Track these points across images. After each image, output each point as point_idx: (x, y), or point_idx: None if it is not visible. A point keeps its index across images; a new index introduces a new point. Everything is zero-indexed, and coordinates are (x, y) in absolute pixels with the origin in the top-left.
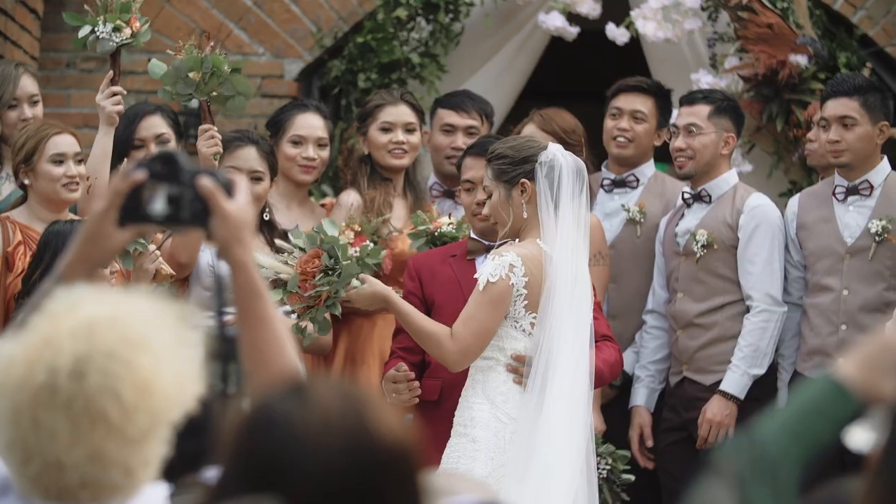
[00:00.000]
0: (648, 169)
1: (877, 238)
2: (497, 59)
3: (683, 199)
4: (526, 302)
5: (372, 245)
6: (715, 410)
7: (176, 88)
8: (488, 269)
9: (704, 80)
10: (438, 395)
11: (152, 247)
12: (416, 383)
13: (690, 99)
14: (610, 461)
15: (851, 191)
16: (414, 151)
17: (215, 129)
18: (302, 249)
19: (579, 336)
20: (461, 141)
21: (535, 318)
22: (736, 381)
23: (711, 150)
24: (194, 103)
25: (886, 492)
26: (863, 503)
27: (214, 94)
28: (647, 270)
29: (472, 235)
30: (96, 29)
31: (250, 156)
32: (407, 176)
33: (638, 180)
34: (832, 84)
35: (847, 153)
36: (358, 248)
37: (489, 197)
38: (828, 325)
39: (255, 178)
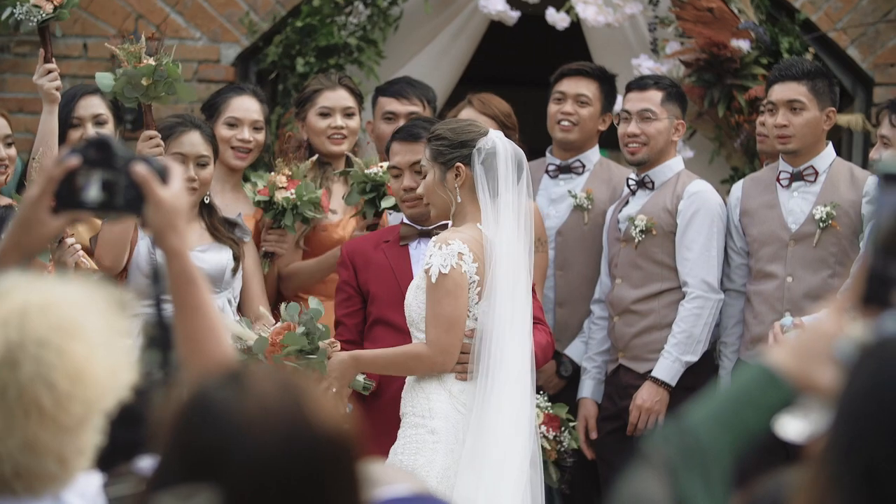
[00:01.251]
0: (594, 155)
1: (821, 224)
2: (436, 43)
3: (628, 185)
4: (479, 289)
5: (306, 184)
6: (645, 397)
7: (123, 91)
8: (437, 260)
9: (645, 64)
10: (376, 387)
11: (71, 240)
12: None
13: (642, 84)
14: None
15: (796, 177)
16: (353, 136)
17: (158, 135)
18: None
19: (524, 323)
20: None
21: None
22: (667, 367)
23: (665, 137)
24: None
25: (831, 486)
26: (804, 497)
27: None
28: (595, 258)
29: (405, 220)
30: (14, 9)
31: (196, 140)
32: (347, 161)
33: (584, 166)
34: (780, 68)
35: (794, 139)
36: (293, 190)
37: (424, 176)
38: (771, 312)
39: (202, 163)
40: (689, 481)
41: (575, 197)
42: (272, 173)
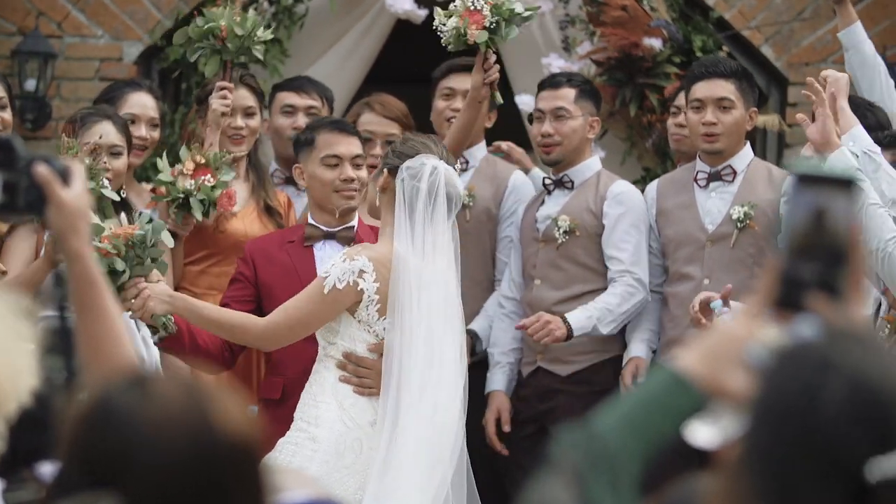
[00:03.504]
0: (479, 151)
1: (739, 225)
2: (342, 43)
3: (544, 185)
4: (378, 306)
5: (211, 181)
6: (550, 318)
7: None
8: (336, 271)
9: (556, 63)
10: (281, 394)
11: None
12: None
13: (554, 83)
14: None
15: (714, 177)
16: (252, 136)
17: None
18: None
19: (443, 344)
20: (302, 121)
21: (388, 320)
22: (580, 318)
23: (580, 135)
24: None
25: (748, 494)
26: None
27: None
28: (478, 256)
29: (310, 220)
30: None
31: (108, 131)
32: (249, 159)
33: (468, 163)
34: (706, 65)
35: (722, 137)
36: (194, 181)
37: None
38: (688, 315)
39: (115, 153)
40: (598, 487)
41: None
42: (189, 154)
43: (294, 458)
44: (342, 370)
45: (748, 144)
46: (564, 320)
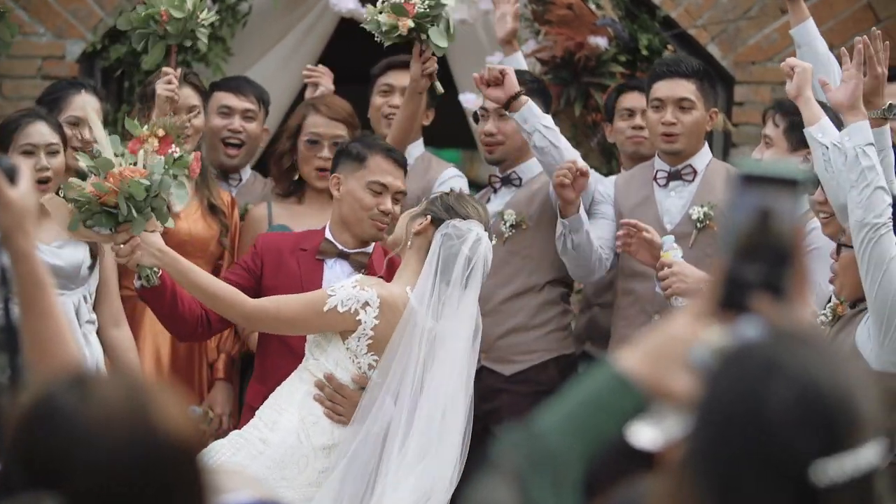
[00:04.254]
0: (416, 149)
1: (698, 225)
2: (285, 42)
3: (490, 182)
4: (370, 342)
5: (177, 151)
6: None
7: None
8: (343, 294)
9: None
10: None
11: None
12: None
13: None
14: None
15: (673, 176)
16: (196, 135)
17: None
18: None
19: (437, 399)
20: (238, 123)
21: (376, 359)
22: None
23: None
24: None
25: (692, 496)
26: None
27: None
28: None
29: (328, 235)
30: None
31: (43, 130)
32: None
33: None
34: (667, 64)
35: (681, 138)
36: (163, 157)
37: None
38: (641, 314)
39: (52, 151)
40: (539, 488)
41: None
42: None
43: (238, 452)
44: (317, 388)
45: (707, 144)
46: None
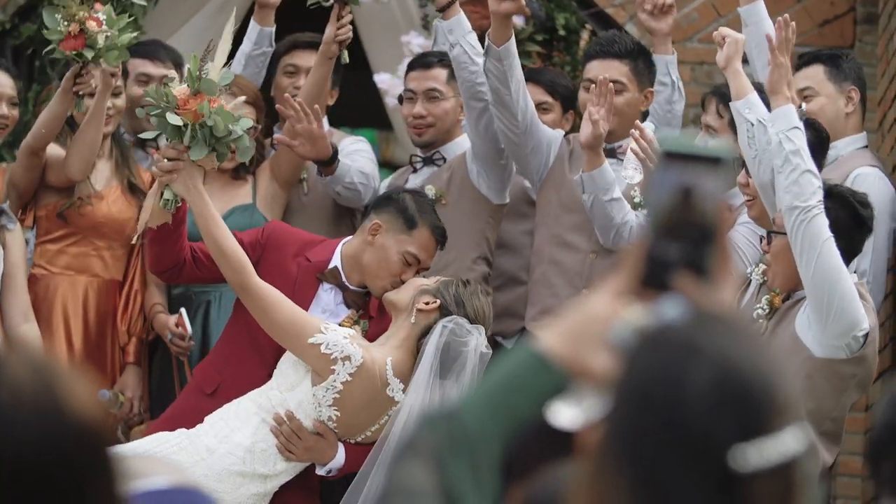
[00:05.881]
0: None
1: (639, 209)
2: (198, 18)
3: (411, 162)
4: (336, 396)
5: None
6: None
7: None
8: (332, 338)
9: (415, 41)
10: (213, 391)
11: None
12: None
13: (426, 62)
14: None
15: (609, 153)
16: (119, 115)
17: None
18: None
19: None
20: None
21: (337, 413)
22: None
23: (452, 116)
24: None
25: (610, 478)
26: (584, 490)
27: None
28: (317, 227)
29: (339, 264)
30: None
31: (4, 81)
32: (113, 136)
33: None
34: (601, 44)
35: (614, 119)
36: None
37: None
38: (568, 287)
39: (14, 102)
40: (457, 470)
41: None
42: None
43: (181, 452)
44: (274, 421)
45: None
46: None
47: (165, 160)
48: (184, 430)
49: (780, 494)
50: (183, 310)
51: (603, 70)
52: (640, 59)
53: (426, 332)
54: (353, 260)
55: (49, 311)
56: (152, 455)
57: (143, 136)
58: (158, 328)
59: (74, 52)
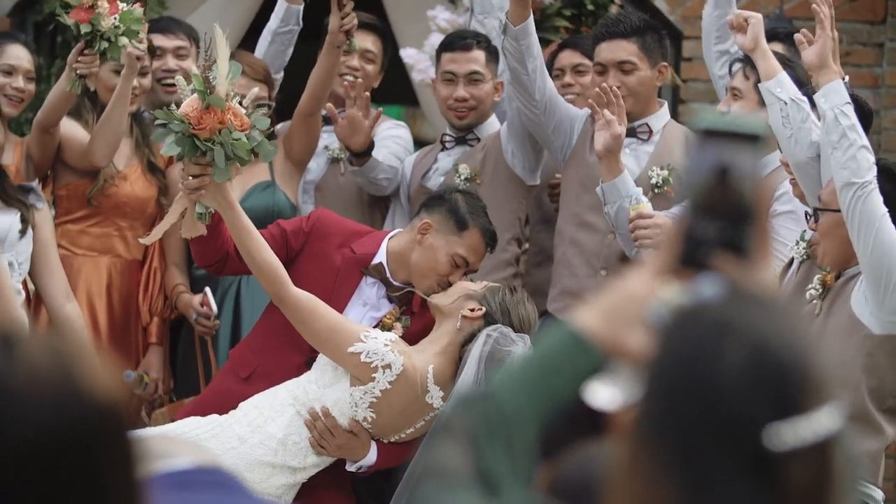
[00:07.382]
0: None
1: (655, 189)
2: None
3: (442, 140)
4: (374, 400)
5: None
6: None
7: None
8: (372, 346)
9: (442, 16)
10: (248, 375)
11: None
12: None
13: (465, 45)
14: None
15: (629, 133)
16: (143, 94)
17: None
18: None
19: None
20: (172, 62)
21: (373, 415)
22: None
23: (491, 98)
24: None
25: (647, 458)
26: (622, 470)
27: None
28: (351, 207)
29: (384, 260)
30: None
31: (21, 54)
32: (134, 115)
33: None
34: (606, 25)
35: (627, 99)
36: (117, 16)
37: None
38: (587, 267)
39: (31, 77)
40: (492, 451)
41: (329, 150)
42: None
43: (213, 439)
44: (309, 415)
45: (665, 105)
46: None
47: (191, 178)
48: (216, 416)
49: (816, 474)
50: (207, 289)
51: (611, 51)
52: (648, 35)
53: (470, 338)
54: (400, 257)
55: (73, 292)
56: (175, 435)
57: (164, 152)
58: (183, 308)
59: (73, 23)
